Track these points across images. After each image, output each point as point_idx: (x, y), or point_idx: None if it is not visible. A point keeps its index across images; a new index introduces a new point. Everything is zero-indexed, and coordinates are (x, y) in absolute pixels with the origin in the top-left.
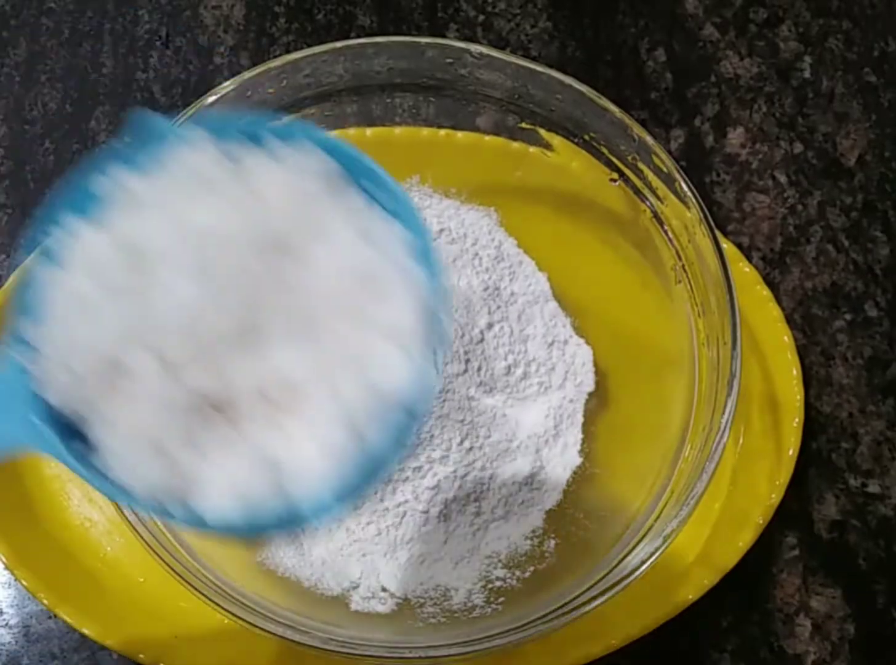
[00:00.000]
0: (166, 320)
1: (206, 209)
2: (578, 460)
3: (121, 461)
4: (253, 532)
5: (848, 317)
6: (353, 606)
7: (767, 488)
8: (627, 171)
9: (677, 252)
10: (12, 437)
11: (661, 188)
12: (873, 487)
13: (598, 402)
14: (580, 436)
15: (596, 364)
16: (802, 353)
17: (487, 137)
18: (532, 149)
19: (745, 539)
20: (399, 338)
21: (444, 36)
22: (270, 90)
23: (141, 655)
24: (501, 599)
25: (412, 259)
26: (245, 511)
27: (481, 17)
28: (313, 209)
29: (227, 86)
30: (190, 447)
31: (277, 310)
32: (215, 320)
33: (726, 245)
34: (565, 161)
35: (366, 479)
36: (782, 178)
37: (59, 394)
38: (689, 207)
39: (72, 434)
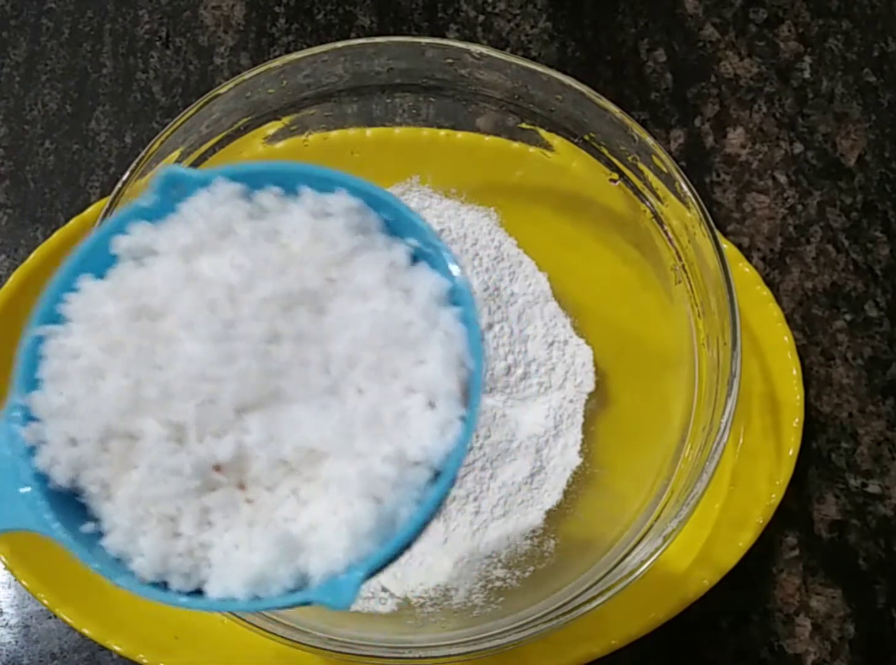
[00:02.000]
0: (176, 385)
1: (225, 264)
2: (578, 460)
3: (123, 535)
4: (256, 607)
5: (848, 317)
6: (353, 606)
7: (767, 488)
8: (627, 172)
9: (677, 252)
10: (12, 519)
11: (661, 188)
12: (873, 487)
13: (598, 402)
14: (580, 436)
15: (596, 364)
16: (802, 353)
17: (487, 137)
18: (532, 149)
19: (745, 539)
20: (428, 395)
21: (444, 36)
22: (270, 90)
23: (141, 656)
24: (501, 599)
25: (442, 306)
26: (253, 588)
27: (481, 18)
28: (340, 261)
29: (227, 86)
30: (199, 520)
31: (298, 370)
32: (231, 386)
33: (726, 245)
34: (565, 161)
35: (385, 551)
36: (782, 179)
37: (62, 469)
38: (689, 207)
39: (71, 507)
